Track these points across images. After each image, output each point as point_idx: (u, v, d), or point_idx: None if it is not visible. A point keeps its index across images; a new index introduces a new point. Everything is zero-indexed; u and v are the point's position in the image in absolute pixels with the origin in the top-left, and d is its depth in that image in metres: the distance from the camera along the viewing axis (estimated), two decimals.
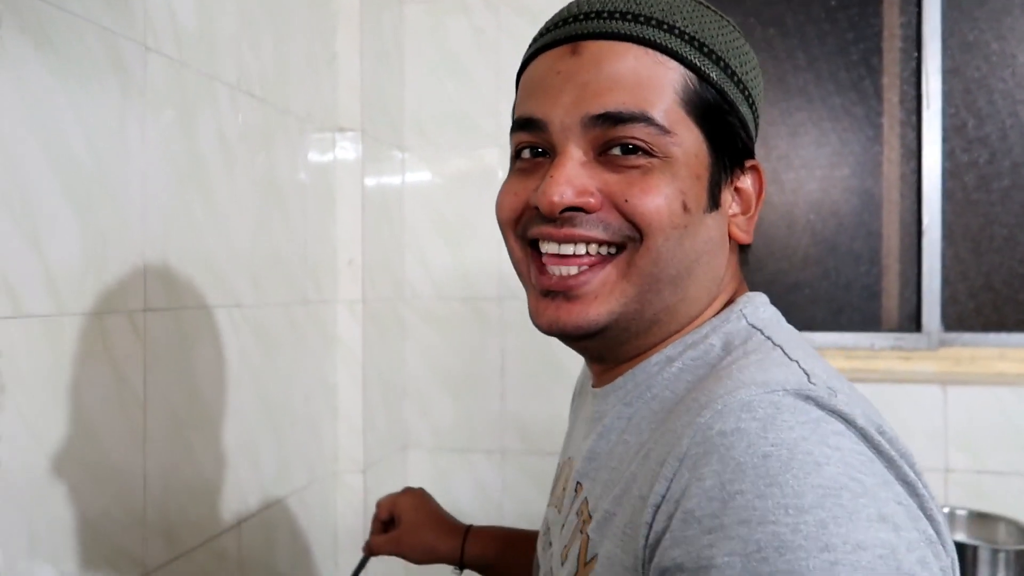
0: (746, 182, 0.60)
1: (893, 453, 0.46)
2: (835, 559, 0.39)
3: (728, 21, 0.61)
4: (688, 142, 0.56)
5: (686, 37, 0.56)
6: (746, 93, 0.59)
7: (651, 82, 0.55)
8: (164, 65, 1.12)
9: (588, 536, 0.55)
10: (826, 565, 0.39)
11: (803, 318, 1.88)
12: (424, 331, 1.93)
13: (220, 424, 1.26)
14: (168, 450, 1.13)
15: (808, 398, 0.46)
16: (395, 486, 1.88)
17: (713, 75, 0.57)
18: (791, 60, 1.88)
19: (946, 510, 1.67)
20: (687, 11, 0.58)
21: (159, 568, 1.11)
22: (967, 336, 1.83)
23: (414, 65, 1.93)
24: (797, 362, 0.51)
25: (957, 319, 1.84)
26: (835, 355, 1.86)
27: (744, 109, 0.59)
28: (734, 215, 0.60)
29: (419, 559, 1.03)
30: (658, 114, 0.55)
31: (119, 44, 1.03)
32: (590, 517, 0.57)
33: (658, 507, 0.46)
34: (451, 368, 1.93)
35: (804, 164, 1.89)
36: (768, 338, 0.55)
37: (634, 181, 0.55)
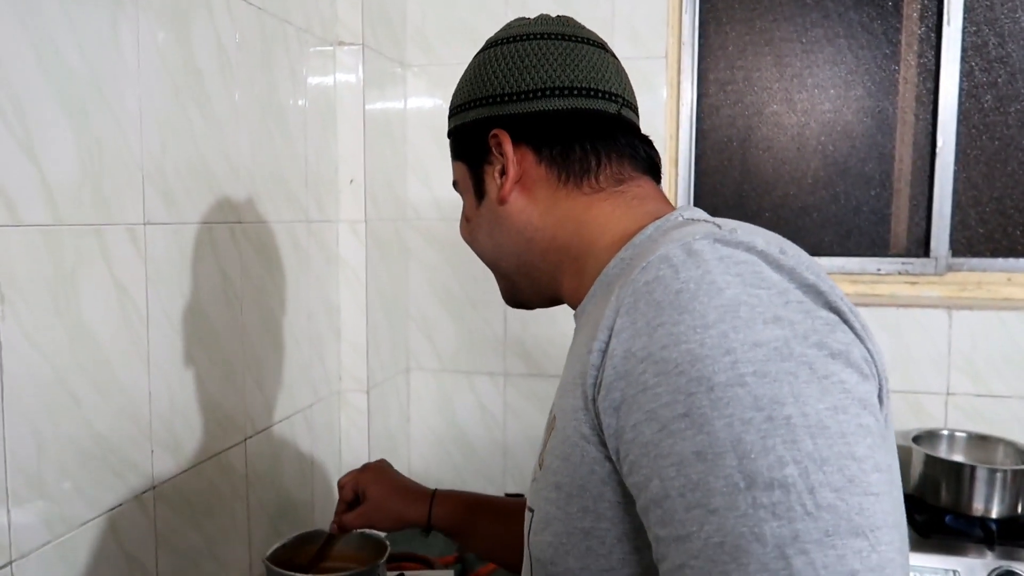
0: (500, 155, 0.74)
1: (792, 264, 0.53)
2: (736, 359, 0.48)
3: (484, 51, 0.77)
4: (460, 176, 0.80)
5: (448, 115, 0.81)
6: (478, 101, 0.75)
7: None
8: None
9: (553, 404, 0.66)
10: (729, 365, 0.48)
11: (811, 242, 1.86)
12: (427, 252, 1.92)
13: (223, 341, 1.26)
14: (172, 365, 1.13)
15: (715, 240, 0.54)
16: (399, 406, 1.90)
17: (451, 125, 0.80)
18: None
19: (945, 432, 1.69)
20: (455, 89, 0.80)
21: (167, 480, 1.12)
22: (974, 261, 1.81)
23: None
24: (713, 222, 0.61)
25: (966, 244, 1.82)
26: (841, 280, 1.85)
27: (475, 112, 0.75)
28: (501, 184, 0.74)
29: (389, 527, 1.08)
30: (453, 176, 0.83)
31: None
32: (554, 402, 0.67)
33: (603, 352, 0.55)
34: (454, 290, 1.92)
35: (818, 84, 1.84)
36: (696, 219, 0.65)
37: None
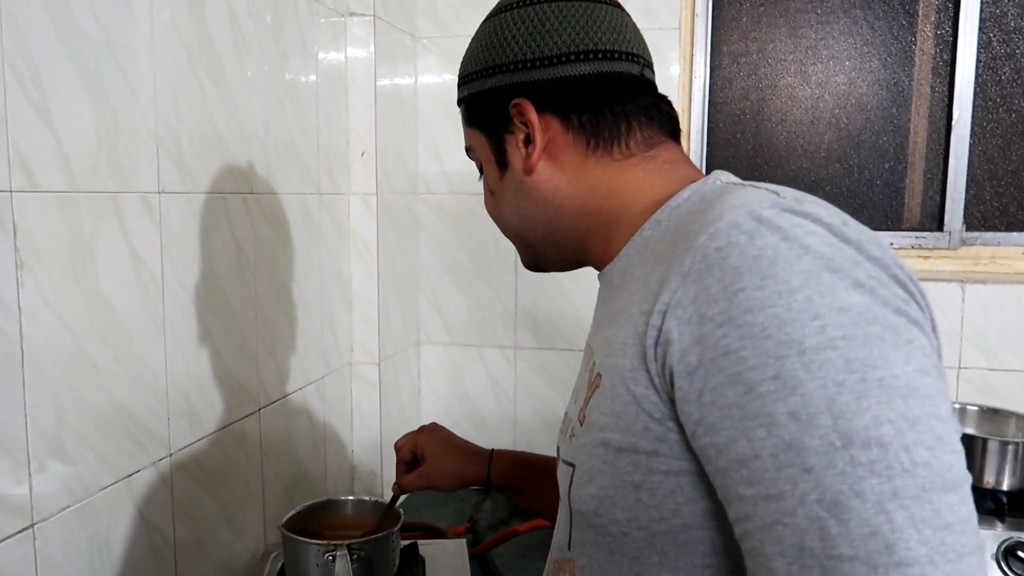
0: (523, 125, 0.73)
1: (859, 238, 0.54)
2: (824, 323, 0.49)
3: (498, 15, 0.75)
4: (477, 143, 0.79)
5: (458, 82, 0.80)
6: (496, 68, 0.74)
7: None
8: None
9: (594, 363, 0.65)
10: (818, 329, 0.49)
11: None
12: (437, 226, 1.92)
13: (237, 311, 1.27)
14: (187, 334, 1.14)
15: (782, 209, 0.54)
16: (410, 379, 1.91)
17: (464, 93, 0.78)
18: None
19: (957, 406, 1.69)
20: (466, 55, 0.79)
21: (183, 448, 1.13)
22: (989, 235, 1.80)
23: None
24: (765, 188, 0.61)
25: (980, 218, 1.80)
26: None
27: (494, 79, 0.74)
28: (527, 155, 0.74)
29: (449, 487, 1.10)
30: (465, 142, 0.82)
31: None
32: (595, 361, 0.66)
33: (664, 313, 0.55)
34: (464, 263, 1.92)
35: (833, 55, 1.82)
36: (736, 183, 0.65)
37: None
